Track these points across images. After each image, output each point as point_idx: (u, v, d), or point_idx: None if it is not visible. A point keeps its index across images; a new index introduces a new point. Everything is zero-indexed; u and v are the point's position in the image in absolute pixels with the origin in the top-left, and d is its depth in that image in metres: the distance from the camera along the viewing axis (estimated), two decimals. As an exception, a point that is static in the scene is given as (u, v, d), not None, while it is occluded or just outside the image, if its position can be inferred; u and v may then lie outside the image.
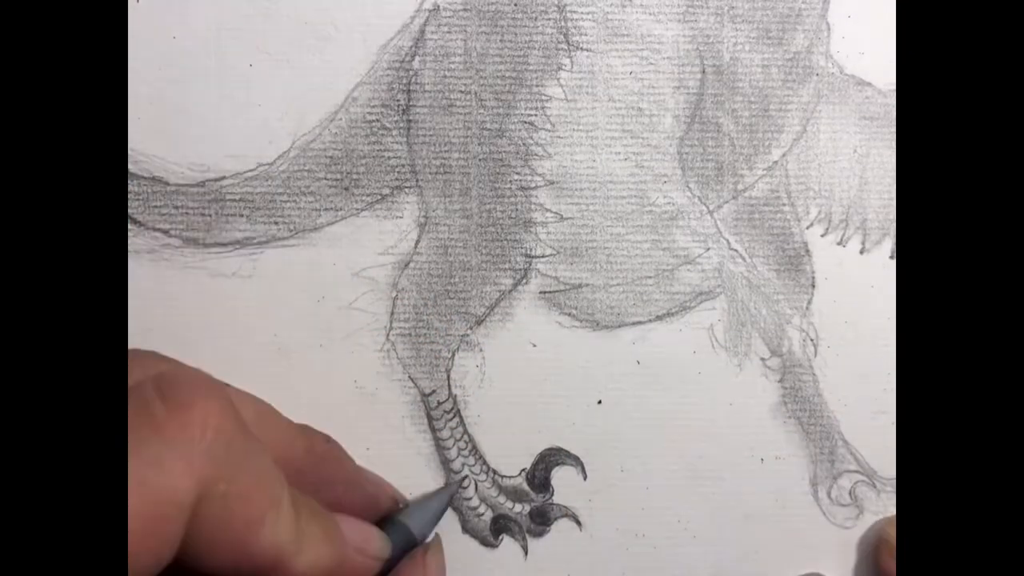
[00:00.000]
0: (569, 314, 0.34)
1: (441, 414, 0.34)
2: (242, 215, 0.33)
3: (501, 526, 0.34)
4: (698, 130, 0.34)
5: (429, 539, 0.32)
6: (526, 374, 0.34)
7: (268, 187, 0.33)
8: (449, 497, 0.33)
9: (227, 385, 0.29)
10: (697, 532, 0.34)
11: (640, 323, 0.34)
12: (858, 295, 0.34)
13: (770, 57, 0.34)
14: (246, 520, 0.24)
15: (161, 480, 0.23)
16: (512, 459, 0.34)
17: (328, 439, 0.31)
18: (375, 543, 0.29)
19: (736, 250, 0.34)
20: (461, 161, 0.34)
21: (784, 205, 0.34)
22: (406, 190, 0.34)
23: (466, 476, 0.34)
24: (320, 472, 0.29)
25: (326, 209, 0.34)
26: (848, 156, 0.34)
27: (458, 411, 0.34)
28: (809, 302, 0.34)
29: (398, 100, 0.33)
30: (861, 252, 0.34)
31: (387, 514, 0.31)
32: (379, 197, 0.34)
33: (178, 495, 0.23)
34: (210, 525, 0.24)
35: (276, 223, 0.33)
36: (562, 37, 0.33)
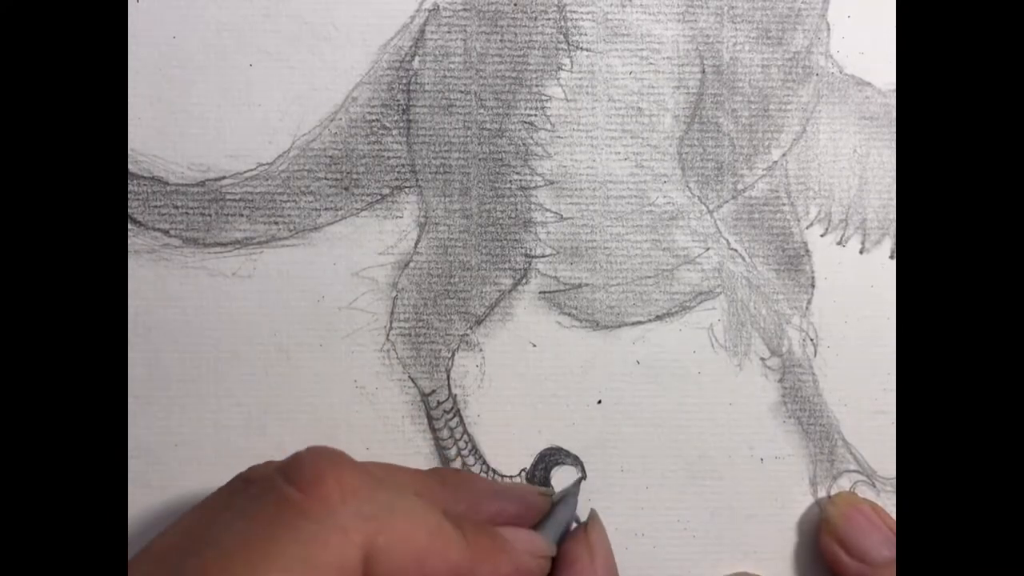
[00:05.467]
0: (569, 314, 0.34)
1: (441, 414, 0.34)
2: (242, 215, 0.33)
3: (501, 526, 0.34)
4: (698, 130, 0.34)
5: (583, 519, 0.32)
6: (526, 374, 0.34)
7: (268, 187, 0.33)
8: (576, 486, 0.33)
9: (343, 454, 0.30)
10: (697, 532, 0.34)
11: (640, 323, 0.34)
12: (858, 295, 0.34)
13: (770, 57, 0.34)
14: (414, 558, 0.25)
15: (327, 557, 0.23)
16: (512, 459, 0.34)
17: (453, 469, 0.33)
18: (540, 543, 0.29)
19: (736, 250, 0.34)
20: (461, 161, 0.34)
21: (784, 205, 0.34)
22: (406, 190, 0.34)
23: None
24: (462, 496, 0.29)
25: (326, 209, 0.33)
26: (848, 156, 0.34)
27: (458, 411, 0.34)
28: (809, 302, 0.34)
29: (398, 100, 0.33)
30: (861, 252, 0.34)
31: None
32: (379, 197, 0.34)
33: (347, 564, 0.24)
34: (384, 574, 0.25)
35: (276, 223, 0.33)
36: (562, 37, 0.33)
